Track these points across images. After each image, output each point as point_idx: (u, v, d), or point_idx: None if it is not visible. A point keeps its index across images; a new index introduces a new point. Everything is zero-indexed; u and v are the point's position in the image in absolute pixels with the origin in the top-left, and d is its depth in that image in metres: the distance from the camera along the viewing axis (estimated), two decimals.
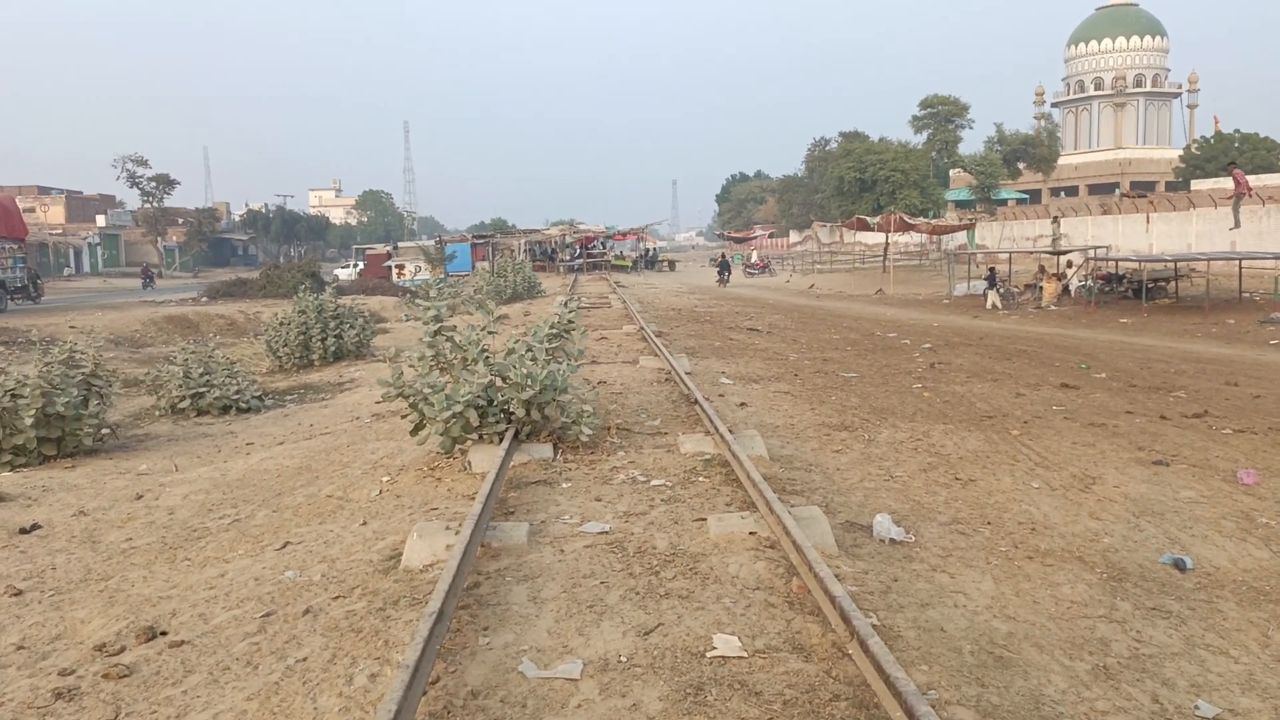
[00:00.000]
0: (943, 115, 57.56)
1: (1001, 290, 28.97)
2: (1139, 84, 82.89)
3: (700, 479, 7.71)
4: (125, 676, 4.70)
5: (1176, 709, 4.21)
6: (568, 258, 62.49)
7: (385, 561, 5.99)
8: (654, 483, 7.60)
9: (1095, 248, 33.07)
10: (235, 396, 14.80)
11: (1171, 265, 27.96)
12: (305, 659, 4.63)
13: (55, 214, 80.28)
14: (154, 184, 70.63)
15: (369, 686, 4.25)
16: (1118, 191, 67.05)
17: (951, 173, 66.06)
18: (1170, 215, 41.01)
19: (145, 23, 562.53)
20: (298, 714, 4.12)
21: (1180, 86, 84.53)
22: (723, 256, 53.32)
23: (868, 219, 45.32)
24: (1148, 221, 41.48)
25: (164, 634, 5.27)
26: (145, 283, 54.56)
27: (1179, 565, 6.06)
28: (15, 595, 6.28)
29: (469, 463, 8.22)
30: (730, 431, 8.68)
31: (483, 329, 9.72)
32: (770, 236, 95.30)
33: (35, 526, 8.08)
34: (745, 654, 4.42)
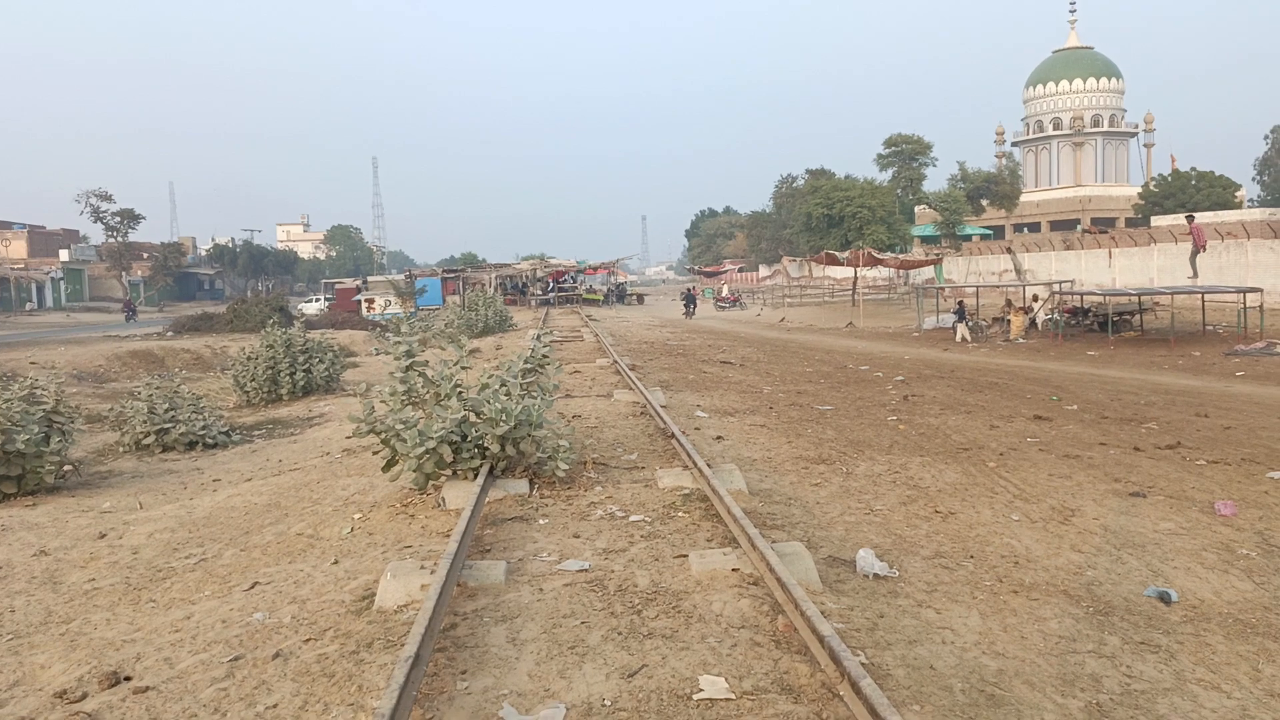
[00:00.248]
0: (907, 153, 58.45)
1: (970, 324, 29.26)
2: (1096, 124, 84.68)
3: (680, 514, 7.59)
4: None
5: None
6: (539, 292, 62.42)
7: (358, 602, 5.81)
8: (633, 518, 7.48)
9: (1060, 282, 33.51)
10: (201, 432, 14.53)
11: (1136, 299, 28.38)
12: (276, 705, 4.45)
13: (17, 249, 79.15)
14: (118, 219, 69.83)
15: None
16: (1079, 228, 68.24)
17: (916, 209, 66.98)
18: (1132, 250, 41.73)
19: (109, 59, 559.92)
20: None
21: (1137, 126, 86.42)
22: (688, 290, 53.77)
23: (837, 254, 45.73)
24: (1110, 256, 42.17)
25: (128, 679, 5.05)
26: (128, 315, 54.05)
27: (1164, 598, 6.03)
28: None
29: (443, 499, 8.06)
30: (708, 465, 8.60)
31: (455, 363, 9.59)
32: (740, 271, 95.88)
33: None
34: (733, 696, 4.29)
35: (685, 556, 6.28)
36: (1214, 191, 60.93)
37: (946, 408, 14.22)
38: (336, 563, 6.87)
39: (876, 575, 6.24)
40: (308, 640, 5.27)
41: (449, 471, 8.42)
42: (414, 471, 8.26)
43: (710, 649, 4.81)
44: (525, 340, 26.47)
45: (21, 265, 73.37)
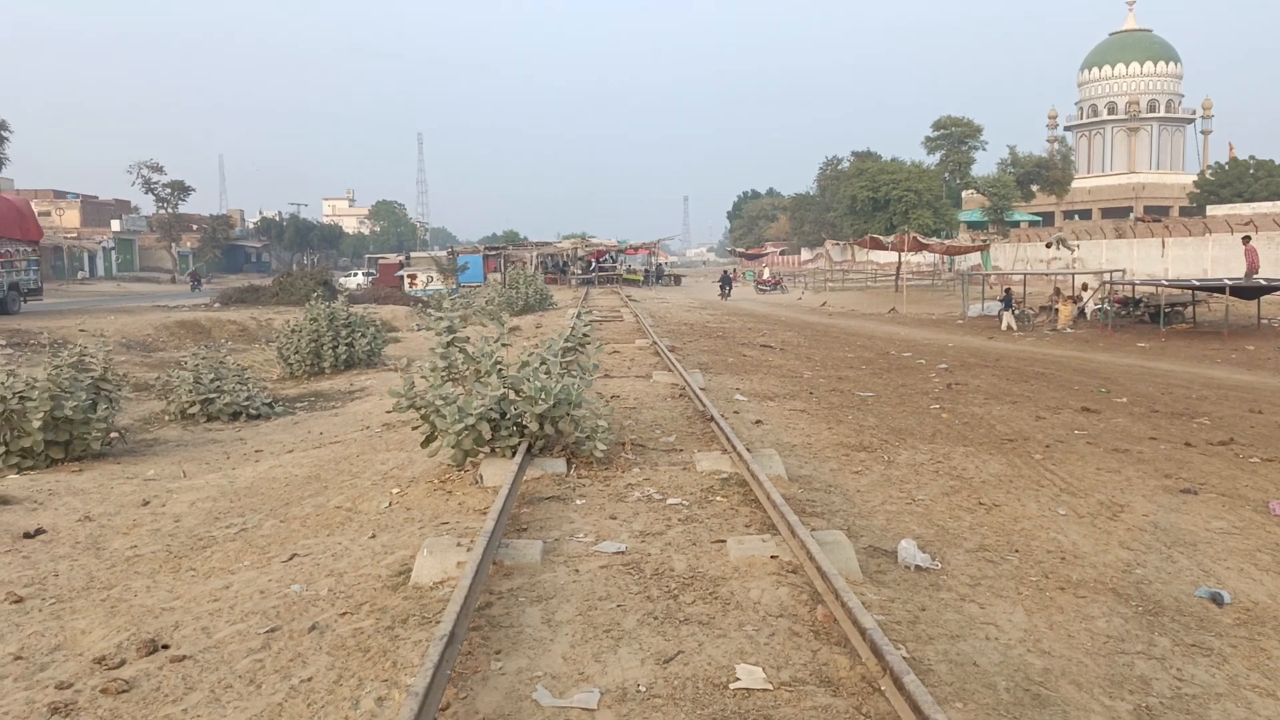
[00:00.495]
0: (955, 136, 57.34)
1: (1017, 312, 28.73)
2: (1152, 109, 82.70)
3: (718, 498, 7.51)
4: (124, 692, 4.52)
5: None
6: (579, 271, 62.43)
7: (394, 577, 5.80)
8: (670, 501, 7.41)
9: (1110, 271, 32.80)
10: (245, 403, 14.68)
11: (1190, 291, 27.68)
12: (310, 679, 4.44)
13: (70, 218, 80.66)
14: (169, 190, 70.76)
15: (375, 711, 4.07)
16: (1132, 216, 66.76)
17: (964, 194, 65.86)
18: (1186, 240, 40.78)
19: (163, 33, 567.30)
20: None
21: (1194, 112, 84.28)
22: (724, 273, 54.27)
23: (881, 238, 45.12)
24: (1163, 246, 41.24)
25: (165, 647, 5.09)
26: (194, 286, 55.19)
27: (1216, 599, 5.84)
28: (16, 602, 6.12)
29: (481, 476, 8.04)
30: (747, 449, 8.49)
31: (495, 340, 9.56)
32: (781, 254, 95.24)
33: (40, 531, 7.93)
34: (770, 686, 4.21)
35: (723, 542, 6.20)
36: (1273, 181, 59.28)
37: (991, 397, 13.96)
38: (374, 537, 6.89)
39: (918, 567, 6.12)
40: (344, 614, 5.28)
41: (487, 449, 8.40)
42: (452, 448, 8.26)
43: (747, 637, 4.73)
44: (565, 319, 26.48)
45: (74, 235, 74.83)
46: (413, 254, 71.87)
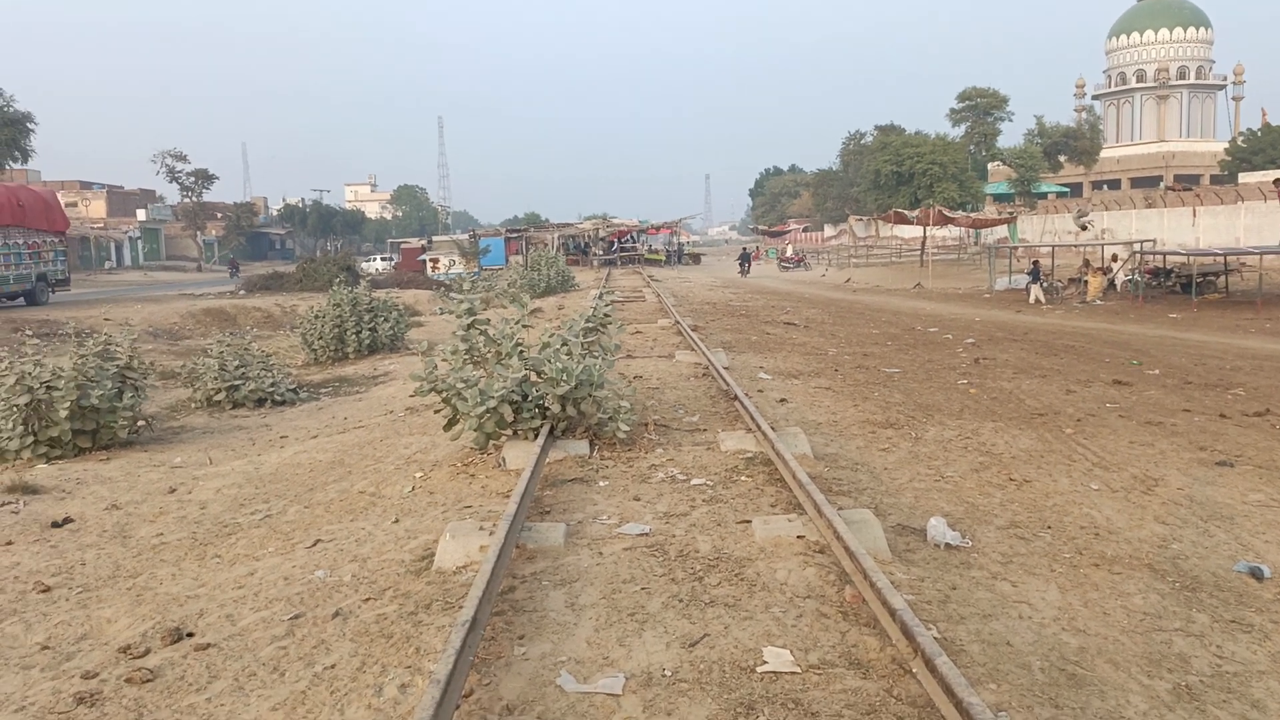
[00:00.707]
0: (981, 108, 56.43)
1: (1045, 284, 28.34)
2: (1182, 76, 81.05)
3: (743, 478, 7.42)
4: (148, 681, 4.51)
5: None
6: (601, 252, 62.27)
7: (417, 562, 5.77)
8: (694, 482, 7.33)
9: (1140, 241, 32.27)
10: (270, 389, 14.72)
11: (1221, 260, 27.19)
12: (334, 666, 4.41)
13: (97, 208, 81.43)
14: (193, 179, 71.09)
15: (399, 698, 4.03)
16: (1162, 185, 65.64)
17: (990, 166, 64.92)
18: (1217, 209, 40.03)
19: (186, 23, 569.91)
20: None
21: (1225, 78, 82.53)
22: (743, 250, 55.86)
23: (906, 212, 44.60)
24: (1194, 215, 40.52)
25: (190, 635, 5.08)
26: (232, 272, 55.70)
27: (1255, 574, 5.69)
28: (44, 591, 6.15)
29: (503, 459, 8.00)
30: (772, 428, 8.39)
31: (517, 322, 9.49)
32: (804, 230, 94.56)
33: (67, 520, 7.98)
34: (798, 669, 4.13)
35: (748, 522, 6.11)
36: None
37: (1020, 371, 13.76)
38: (397, 521, 6.86)
39: (948, 545, 6.00)
40: (367, 600, 5.25)
41: (510, 431, 8.35)
42: (475, 431, 8.21)
43: (774, 619, 4.65)
44: (587, 300, 26.39)
45: (101, 225, 75.51)
46: (434, 238, 72.00)
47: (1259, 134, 61.92)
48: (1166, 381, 12.85)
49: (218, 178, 73.71)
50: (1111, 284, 28.74)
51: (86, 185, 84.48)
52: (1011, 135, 62.98)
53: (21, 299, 31.80)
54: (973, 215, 47.36)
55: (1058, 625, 4.87)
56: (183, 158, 69.68)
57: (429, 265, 54.66)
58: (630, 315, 22.84)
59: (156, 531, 7.48)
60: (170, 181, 70.52)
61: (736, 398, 10.17)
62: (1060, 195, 65.69)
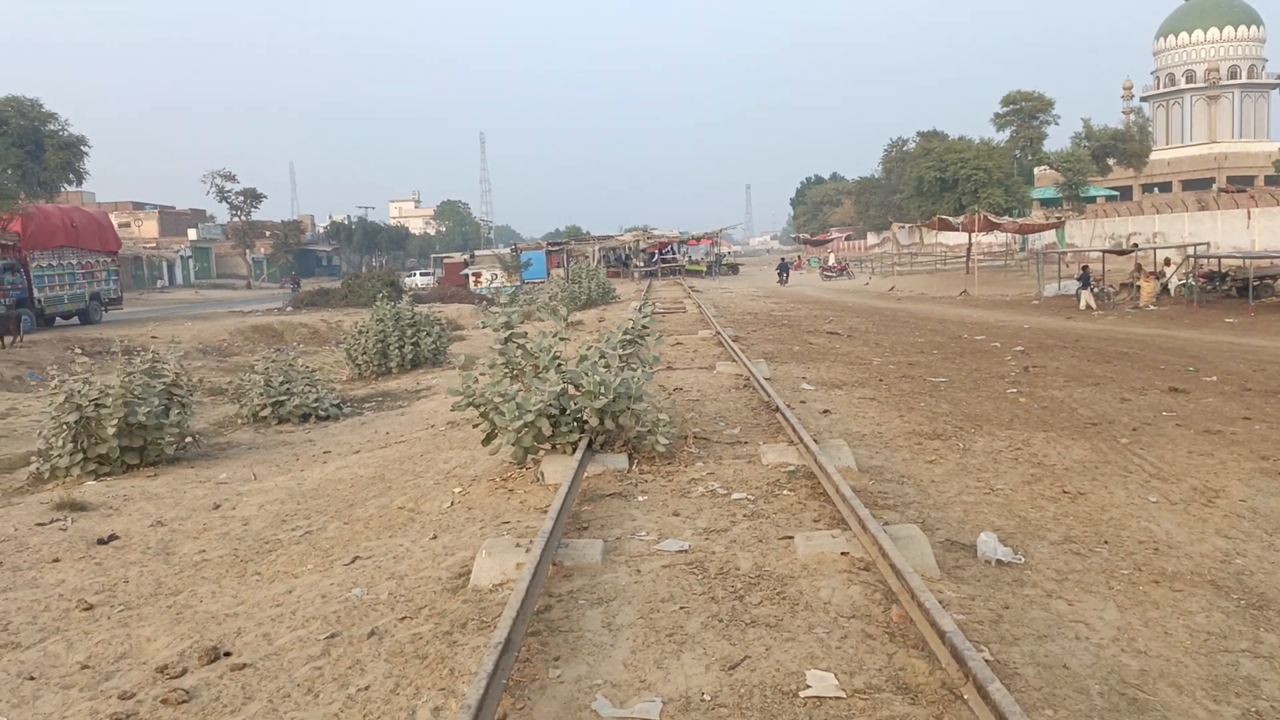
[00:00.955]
0: (1026, 112, 55.47)
1: (1096, 290, 27.72)
2: (1234, 75, 79.22)
3: (785, 492, 7.26)
4: (184, 702, 4.48)
5: None
6: (641, 263, 62.26)
7: (454, 579, 5.70)
8: (735, 496, 7.18)
9: (1194, 244, 31.47)
10: (314, 404, 14.84)
11: (1279, 262, 26.41)
12: (367, 687, 4.34)
13: (149, 228, 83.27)
14: (242, 198, 72.40)
15: None
16: (1215, 187, 64.10)
17: (1036, 170, 63.80)
18: (1274, 210, 39.01)
19: (236, 46, 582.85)
20: None
21: (1278, 77, 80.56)
22: (782, 260, 56.48)
23: (950, 219, 43.98)
24: (1249, 217, 39.48)
25: (227, 654, 5.06)
26: (293, 289, 56.83)
27: None
28: (86, 610, 6.18)
29: (542, 474, 7.92)
30: (815, 440, 8.22)
31: (555, 335, 9.43)
32: (847, 239, 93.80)
33: (113, 537, 8.05)
34: (843, 694, 3.97)
35: (790, 538, 5.95)
36: None
37: (1071, 380, 13.41)
38: (435, 538, 6.81)
39: (999, 561, 5.80)
40: (403, 618, 5.18)
41: (548, 445, 8.27)
42: (513, 445, 8.15)
43: (818, 640, 4.50)
44: (627, 312, 26.34)
45: (153, 244, 77.24)
46: (477, 252, 72.55)
47: None
48: (1225, 388, 12.44)
49: (266, 196, 75.02)
50: (1165, 288, 28.04)
51: (139, 206, 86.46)
52: (1058, 139, 61.73)
53: (76, 318, 32.55)
54: (1019, 220, 46.57)
55: (1117, 646, 4.66)
56: (232, 177, 71.02)
57: (471, 279, 55.06)
58: (671, 326, 22.73)
59: (199, 548, 7.51)
60: (220, 201, 71.92)
61: (778, 409, 10.00)
62: (1110, 199, 64.49)
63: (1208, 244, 32.89)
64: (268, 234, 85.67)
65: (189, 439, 12.09)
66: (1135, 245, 40.00)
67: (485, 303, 38.31)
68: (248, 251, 77.88)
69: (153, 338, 25.22)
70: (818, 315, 27.52)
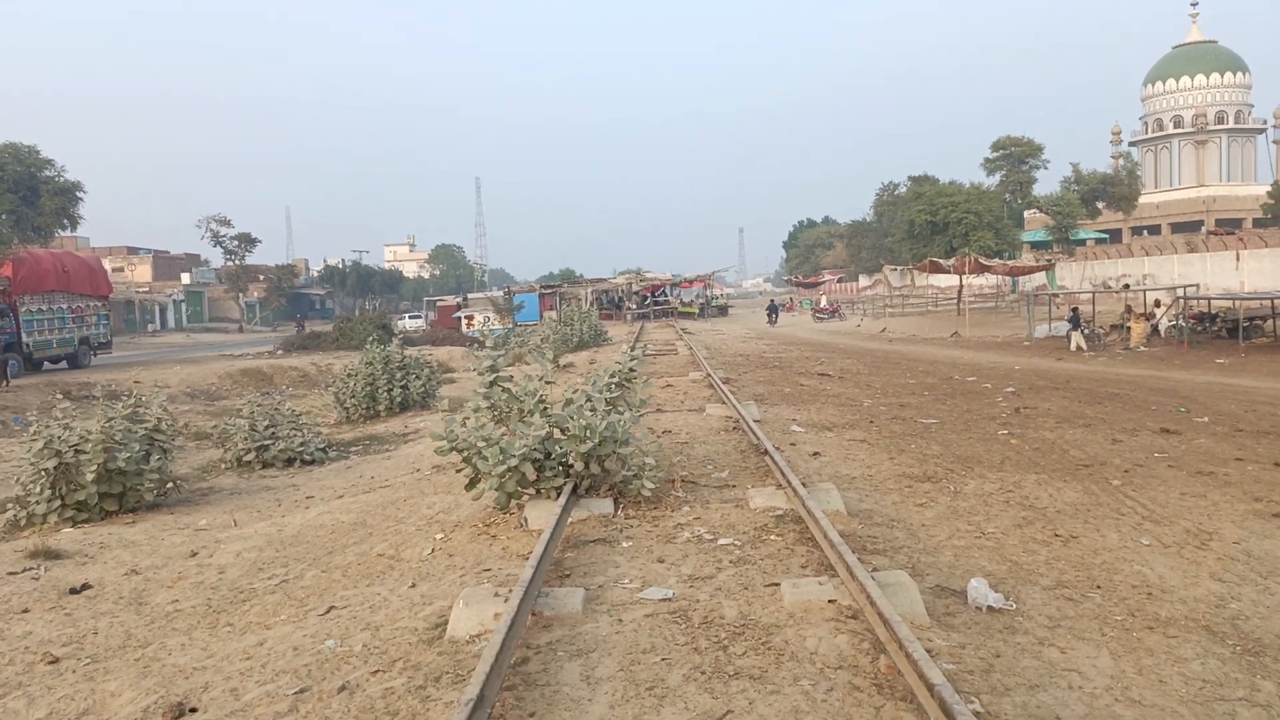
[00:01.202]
0: (1015, 156, 56.05)
1: (1086, 331, 27.75)
2: (1221, 120, 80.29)
3: (772, 537, 7.12)
4: None
5: None
6: (634, 306, 62.42)
7: (430, 630, 5.53)
8: (721, 542, 7.04)
9: (1183, 286, 31.62)
10: (300, 449, 14.67)
11: (1269, 303, 26.50)
12: None
13: (142, 272, 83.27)
14: (236, 242, 72.51)
15: None
16: (1203, 229, 64.63)
17: (1026, 214, 64.35)
18: (1262, 252, 39.32)
19: (231, 92, 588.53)
20: None
21: (1265, 122, 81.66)
22: (771, 301, 58.11)
23: (941, 261, 44.21)
24: (1238, 259, 39.79)
25: (193, 710, 4.88)
26: (299, 329, 56.82)
27: None
28: (51, 663, 5.99)
29: (525, 519, 7.77)
30: (803, 484, 8.09)
31: (541, 379, 9.32)
32: (839, 281, 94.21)
33: (85, 586, 7.86)
34: None
35: (777, 585, 5.81)
36: None
37: (1063, 421, 13.32)
38: (414, 586, 6.64)
39: (990, 608, 5.66)
40: (376, 672, 5.01)
41: (532, 490, 8.12)
42: (496, 490, 8.00)
43: (803, 693, 4.34)
44: (619, 354, 26.26)
45: (146, 289, 77.17)
46: (470, 295, 72.70)
47: None
48: (1216, 429, 12.36)
49: (260, 241, 75.18)
50: (1155, 330, 28.09)
51: (134, 250, 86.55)
52: (1047, 183, 62.57)
53: (64, 362, 32.36)
54: (1010, 263, 46.82)
55: (1110, 696, 4.52)
56: (226, 222, 71.19)
57: (464, 322, 55.06)
58: (661, 368, 22.64)
59: (172, 598, 7.32)
60: (214, 245, 72.00)
61: (767, 452, 9.88)
62: (1099, 242, 64.93)
63: (1197, 285, 33.07)
64: (261, 278, 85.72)
65: (170, 485, 11.91)
66: (1126, 285, 40.24)
67: (477, 345, 38.23)
68: (241, 295, 77.88)
69: (135, 382, 25.01)
70: (809, 357, 27.48)
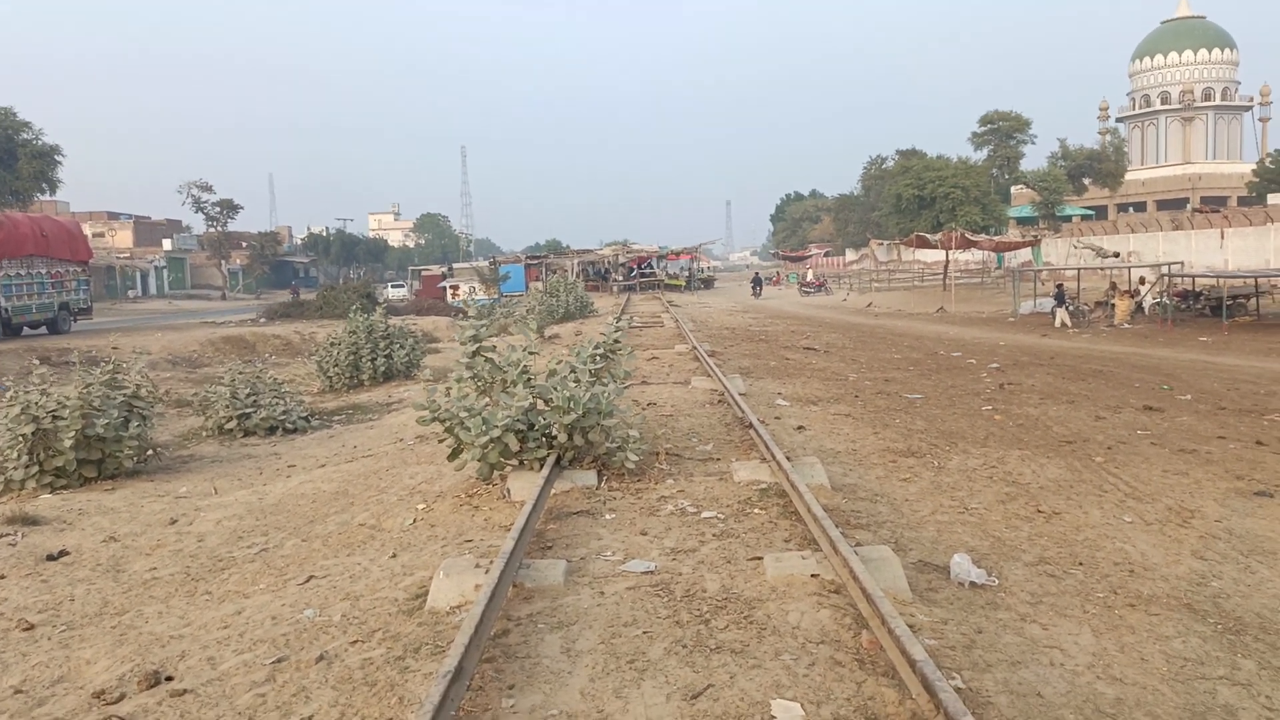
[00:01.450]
0: (1003, 131, 56.06)
1: (1071, 308, 27.83)
2: (1208, 97, 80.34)
3: (755, 511, 7.10)
4: None
5: None
6: (620, 277, 62.22)
7: (410, 601, 5.49)
8: (705, 515, 7.01)
9: (1168, 264, 31.72)
10: (282, 417, 14.55)
11: (1252, 281, 26.62)
12: (311, 717, 4.13)
13: (123, 238, 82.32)
14: (218, 209, 71.72)
15: None
16: (1189, 207, 64.84)
17: (1013, 189, 64.41)
18: (1246, 230, 39.42)
19: (214, 58, 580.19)
20: None
21: (1251, 99, 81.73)
22: (755, 274, 58.83)
23: (928, 236, 44.18)
24: (1222, 237, 39.90)
25: (169, 679, 4.82)
26: (294, 296, 56.34)
27: None
28: (27, 630, 5.92)
29: (508, 490, 7.72)
30: (788, 458, 8.07)
31: (524, 349, 9.24)
32: (826, 255, 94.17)
33: (63, 553, 7.77)
34: None
35: (760, 559, 5.79)
36: None
37: (1047, 397, 13.35)
38: (394, 556, 6.59)
39: (973, 583, 5.65)
40: (354, 642, 4.97)
41: (515, 461, 8.08)
42: (478, 461, 7.95)
43: (784, 667, 4.32)
44: (605, 326, 26.18)
45: (127, 254, 76.31)
46: (455, 265, 72.27)
47: None
48: (1199, 407, 12.41)
49: (243, 207, 74.42)
50: (1139, 307, 28.20)
51: (114, 216, 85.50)
52: (1034, 158, 62.44)
53: (44, 327, 31.98)
54: (996, 238, 46.83)
55: (1092, 673, 4.52)
56: (208, 188, 70.38)
57: (449, 292, 54.73)
58: (647, 341, 22.58)
59: (150, 566, 7.25)
60: (196, 211, 71.26)
61: (752, 425, 9.86)
62: (1085, 218, 65.07)
63: (1182, 263, 33.15)
64: (244, 245, 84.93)
65: (150, 452, 11.79)
66: (1117, 254, 40.33)
67: (462, 315, 38.03)
68: (223, 262, 77.15)
69: (113, 348, 24.74)
70: (795, 331, 27.47)
